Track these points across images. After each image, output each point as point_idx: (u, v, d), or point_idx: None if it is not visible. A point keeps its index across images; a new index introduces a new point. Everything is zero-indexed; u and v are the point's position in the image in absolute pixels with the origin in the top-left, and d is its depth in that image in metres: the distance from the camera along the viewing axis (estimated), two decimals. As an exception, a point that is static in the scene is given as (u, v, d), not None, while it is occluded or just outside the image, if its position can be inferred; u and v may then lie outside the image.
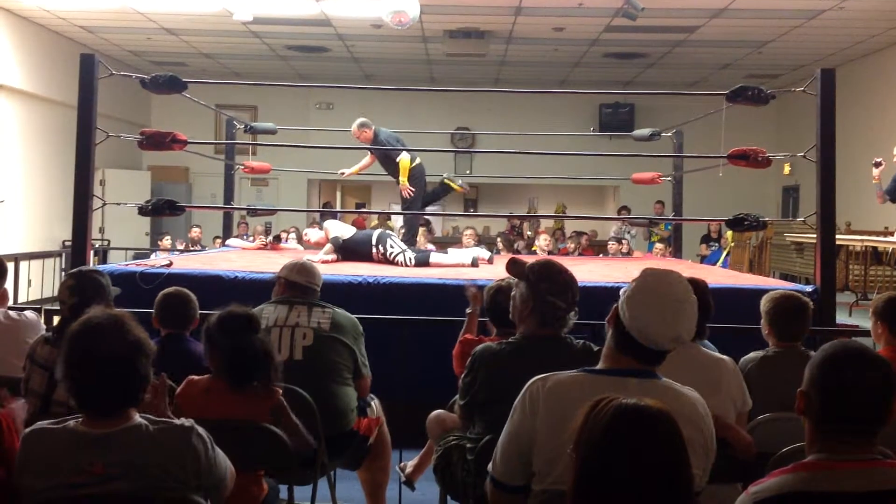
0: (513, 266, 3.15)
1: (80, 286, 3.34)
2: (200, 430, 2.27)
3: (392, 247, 7.22)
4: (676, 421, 1.69)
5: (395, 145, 8.07)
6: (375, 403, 3.94)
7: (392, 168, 8.07)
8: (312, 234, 7.94)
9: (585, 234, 13.76)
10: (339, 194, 19.22)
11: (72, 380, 2.19)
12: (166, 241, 12.36)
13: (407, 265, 7.03)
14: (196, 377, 3.09)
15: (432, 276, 6.05)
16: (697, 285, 3.27)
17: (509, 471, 2.32)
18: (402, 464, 4.06)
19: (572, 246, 12.65)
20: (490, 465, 2.38)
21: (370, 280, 5.64)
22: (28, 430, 2.24)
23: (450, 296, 5.35)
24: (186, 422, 2.28)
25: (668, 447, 1.64)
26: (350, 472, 4.02)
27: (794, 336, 3.60)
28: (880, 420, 1.86)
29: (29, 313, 3.89)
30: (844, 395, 1.85)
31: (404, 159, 7.89)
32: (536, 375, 2.92)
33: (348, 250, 7.37)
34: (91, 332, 2.20)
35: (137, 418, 2.22)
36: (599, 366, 2.39)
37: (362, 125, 8.03)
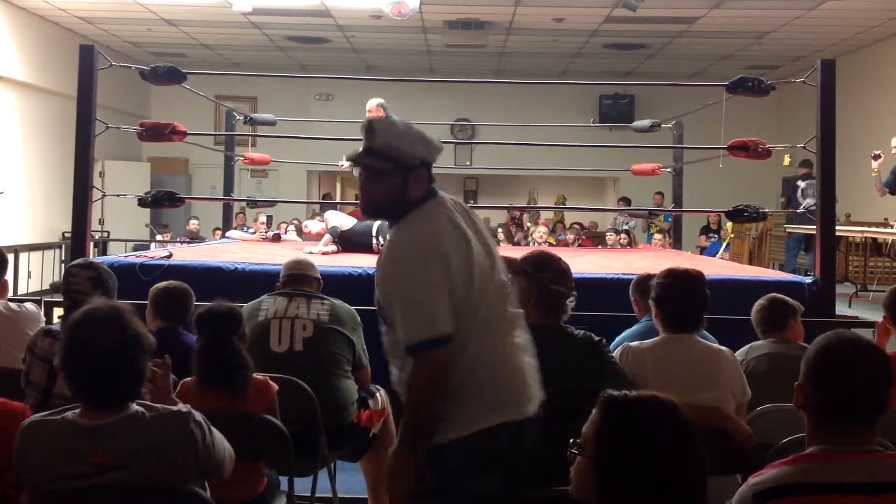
0: (505, 263, 3.15)
1: (101, 278, 3.33)
2: (197, 415, 2.28)
3: None
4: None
5: None
6: (381, 395, 3.92)
7: None
8: (313, 226, 7.93)
9: (577, 223, 13.76)
10: (338, 186, 19.21)
11: (69, 369, 2.21)
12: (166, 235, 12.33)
13: None
14: (189, 378, 3.09)
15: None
16: (693, 276, 3.28)
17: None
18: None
19: (572, 237, 12.66)
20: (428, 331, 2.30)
21: (370, 272, 5.63)
22: (25, 422, 2.25)
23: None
24: (183, 407, 2.29)
25: (684, 435, 1.64)
26: (349, 465, 4.02)
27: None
28: (878, 409, 1.86)
29: (29, 305, 3.89)
30: (842, 386, 1.85)
31: None
32: (538, 366, 2.93)
33: (348, 241, 7.36)
34: (91, 322, 2.22)
35: (134, 407, 2.22)
36: None
37: (381, 105, 8.03)
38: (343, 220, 7.59)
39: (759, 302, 3.81)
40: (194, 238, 12.39)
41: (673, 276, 3.28)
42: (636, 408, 1.67)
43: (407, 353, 2.30)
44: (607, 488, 1.63)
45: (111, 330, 2.20)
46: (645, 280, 3.83)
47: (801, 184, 10.12)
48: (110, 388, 2.20)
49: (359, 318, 3.83)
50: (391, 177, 2.38)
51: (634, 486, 1.60)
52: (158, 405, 2.29)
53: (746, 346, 3.67)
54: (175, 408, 2.30)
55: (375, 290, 2.43)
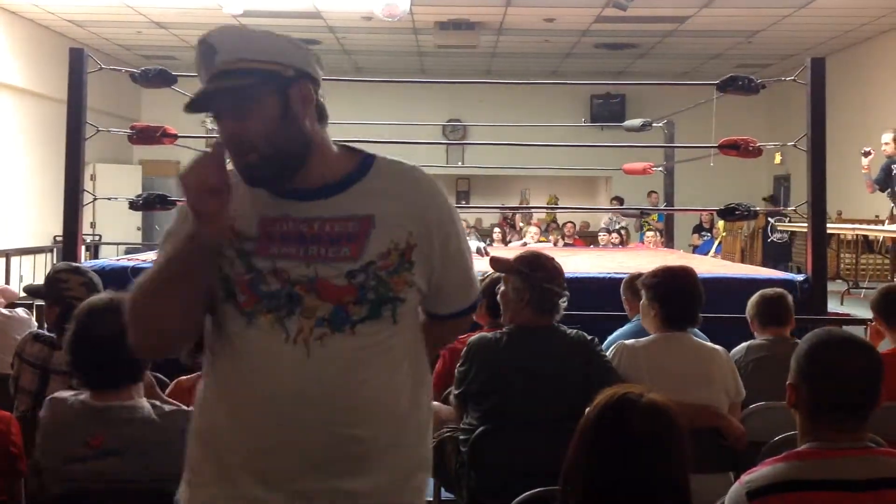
0: (498, 263, 3.18)
1: (93, 282, 3.32)
2: None
3: None
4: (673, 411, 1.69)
5: None
6: None
7: None
8: None
9: (570, 222, 13.78)
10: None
11: (73, 353, 2.37)
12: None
13: None
14: (184, 377, 3.08)
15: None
16: (687, 274, 3.29)
17: None
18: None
19: (553, 238, 12.71)
20: None
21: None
22: (48, 398, 2.39)
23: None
24: (187, 407, 2.33)
25: (657, 436, 1.65)
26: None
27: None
28: (870, 405, 1.87)
29: (20, 310, 3.88)
30: (834, 383, 1.86)
31: None
32: (531, 365, 2.94)
33: None
34: (93, 312, 2.37)
35: (142, 401, 2.32)
36: None
37: None
38: None
39: (762, 294, 3.77)
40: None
41: (666, 273, 3.29)
42: (620, 403, 1.68)
43: (459, 315, 1.82)
44: (589, 483, 1.65)
45: (111, 318, 2.27)
46: (636, 279, 3.83)
47: (772, 220, 10.58)
48: (109, 371, 2.30)
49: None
50: (261, 99, 1.63)
51: (612, 479, 1.62)
52: (165, 405, 2.37)
53: (744, 345, 3.66)
54: (178, 406, 2.37)
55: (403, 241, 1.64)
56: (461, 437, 3.00)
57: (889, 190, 8.47)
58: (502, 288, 3.11)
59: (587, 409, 1.71)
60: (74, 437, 2.24)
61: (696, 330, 3.43)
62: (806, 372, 1.89)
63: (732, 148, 6.08)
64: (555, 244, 12.11)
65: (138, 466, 2.20)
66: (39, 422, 2.34)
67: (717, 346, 3.24)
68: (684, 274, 3.28)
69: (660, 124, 8.77)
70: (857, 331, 3.89)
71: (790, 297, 3.81)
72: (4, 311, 3.80)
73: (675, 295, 3.20)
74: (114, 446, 2.21)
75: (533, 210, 15.05)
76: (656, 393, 1.71)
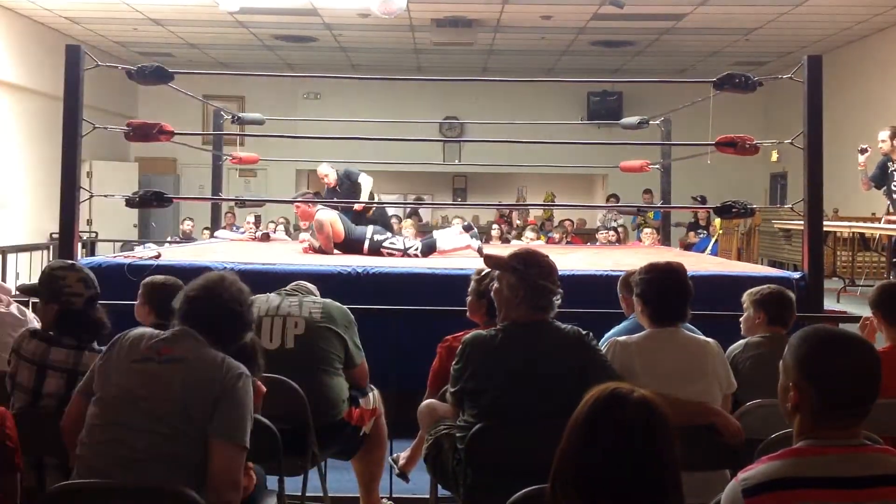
0: (492, 261, 3.19)
1: (90, 277, 3.30)
2: (249, 381, 2.53)
3: (393, 244, 7.17)
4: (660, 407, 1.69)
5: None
6: (374, 394, 3.92)
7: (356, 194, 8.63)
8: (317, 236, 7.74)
9: (568, 220, 13.80)
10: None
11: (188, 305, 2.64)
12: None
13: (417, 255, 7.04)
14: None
15: (421, 266, 6.06)
16: (674, 270, 3.31)
17: None
18: (395, 455, 4.05)
19: (557, 236, 12.70)
20: None
21: (359, 270, 5.65)
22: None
23: (441, 285, 5.35)
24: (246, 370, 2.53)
25: (647, 433, 1.65)
26: (340, 463, 4.02)
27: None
28: (871, 402, 1.87)
29: (14, 307, 3.86)
30: (842, 383, 1.84)
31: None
32: (527, 362, 2.94)
33: (345, 245, 7.27)
34: (211, 283, 2.73)
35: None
36: None
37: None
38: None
39: (781, 294, 3.74)
40: (187, 239, 12.35)
41: (654, 269, 3.30)
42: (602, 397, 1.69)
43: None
44: (579, 476, 1.65)
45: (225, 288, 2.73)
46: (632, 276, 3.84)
47: None
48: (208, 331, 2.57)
49: (351, 316, 3.83)
50: None
51: (602, 475, 1.62)
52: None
53: (741, 342, 3.67)
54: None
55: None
56: (457, 434, 2.99)
57: (885, 187, 8.47)
58: (496, 285, 3.11)
59: (578, 405, 1.71)
60: (147, 347, 2.52)
61: (690, 325, 3.43)
62: (814, 373, 1.86)
63: (729, 145, 6.09)
64: (558, 241, 12.12)
65: (190, 379, 2.43)
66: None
67: (708, 339, 3.25)
68: (672, 270, 3.29)
69: (657, 122, 8.77)
70: (854, 328, 3.89)
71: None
72: (1, 308, 3.78)
73: (662, 291, 3.22)
74: (178, 355, 2.49)
75: (529, 207, 15.06)
76: (647, 389, 1.71)
